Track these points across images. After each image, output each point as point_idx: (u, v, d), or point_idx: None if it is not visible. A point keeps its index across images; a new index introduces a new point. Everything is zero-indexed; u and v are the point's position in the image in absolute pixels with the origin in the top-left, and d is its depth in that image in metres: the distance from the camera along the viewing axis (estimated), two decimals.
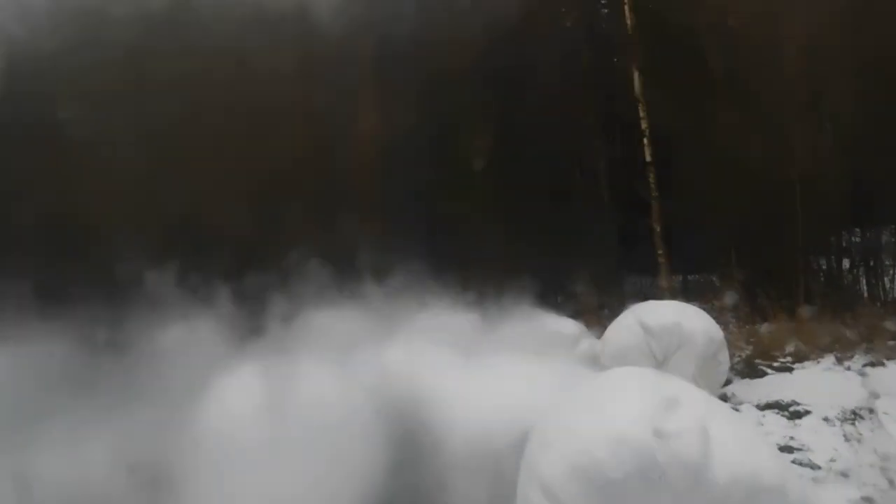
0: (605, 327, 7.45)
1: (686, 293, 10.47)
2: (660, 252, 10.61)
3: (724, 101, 10.14)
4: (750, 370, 6.78)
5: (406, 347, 5.54)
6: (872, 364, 6.44)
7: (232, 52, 10.95)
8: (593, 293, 10.15)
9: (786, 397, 5.71)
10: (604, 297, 11.00)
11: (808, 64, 9.39)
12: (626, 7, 11.41)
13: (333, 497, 3.99)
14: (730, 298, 9.66)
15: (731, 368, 6.70)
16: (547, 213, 11.27)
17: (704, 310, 6.80)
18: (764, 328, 8.34)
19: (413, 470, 4.73)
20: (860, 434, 4.75)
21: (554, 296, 10.49)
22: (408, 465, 4.71)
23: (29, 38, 10.01)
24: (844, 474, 4.12)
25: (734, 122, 9.93)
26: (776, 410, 5.49)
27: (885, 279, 9.74)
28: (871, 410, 5.21)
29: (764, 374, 6.68)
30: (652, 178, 10.86)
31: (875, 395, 5.49)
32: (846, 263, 10.16)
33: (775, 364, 6.89)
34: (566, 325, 7.09)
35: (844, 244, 10.10)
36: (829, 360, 6.78)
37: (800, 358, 6.99)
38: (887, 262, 9.81)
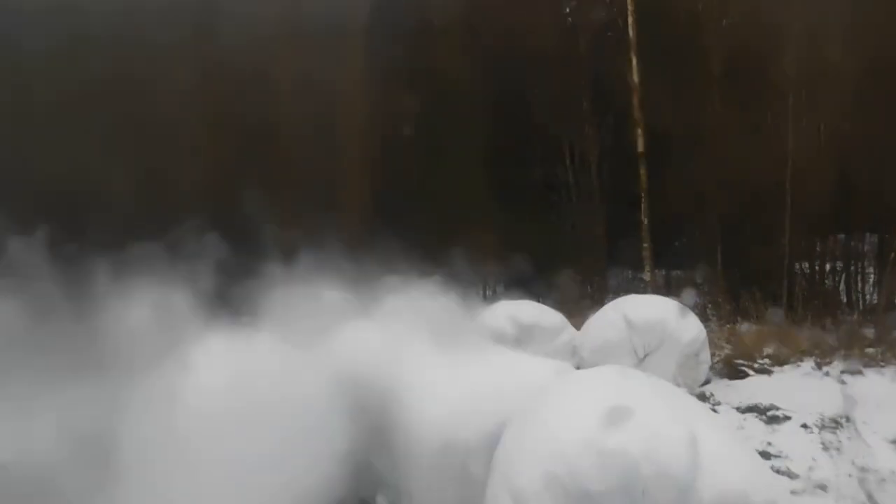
0: (586, 318, 7.32)
1: (669, 288, 10.38)
2: (645, 246, 10.48)
3: (720, 98, 9.99)
4: (729, 370, 6.70)
5: (379, 330, 5.30)
6: (851, 371, 6.38)
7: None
8: (576, 283, 10.04)
9: (765, 401, 5.62)
10: (587, 287, 10.90)
11: (806, 67, 9.25)
12: None
13: (289, 484, 3.76)
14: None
15: (711, 368, 6.61)
16: (535, 199, 11.09)
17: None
18: (745, 328, 8.28)
19: (375, 459, 4.56)
20: (839, 443, 4.66)
21: (536, 284, 10.33)
22: (370, 454, 4.52)
23: None
24: (822, 486, 4.02)
25: (729, 121, 9.79)
26: (755, 414, 5.40)
27: (866, 286, 9.74)
28: (849, 419, 5.13)
29: (744, 375, 6.60)
30: (643, 171, 10.68)
31: (853, 404, 5.41)
32: (828, 268, 10.14)
33: (755, 366, 6.81)
34: (547, 316, 6.92)
35: (828, 249, 10.06)
36: (808, 364, 6.72)
37: (779, 361, 6.92)
38: (868, 269, 9.80)
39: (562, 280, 9.73)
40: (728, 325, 8.38)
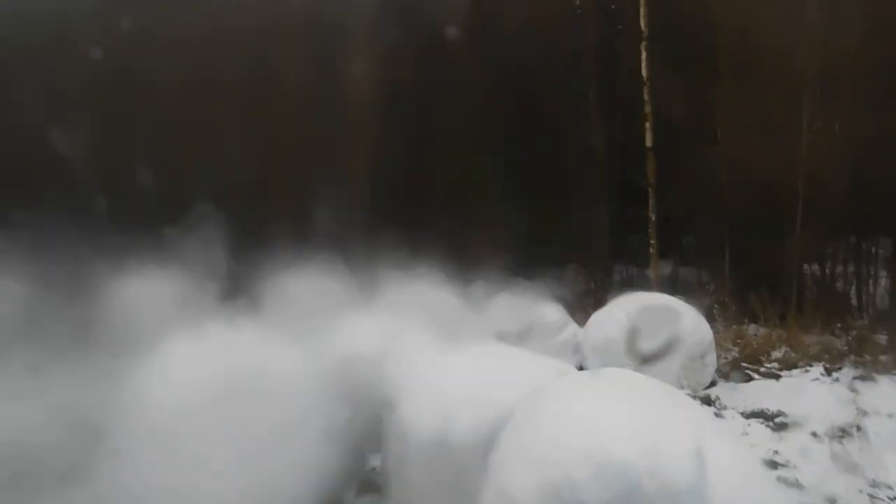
0: (589, 315, 7.14)
1: (674, 286, 10.17)
2: (652, 242, 10.27)
3: (732, 94, 9.72)
4: (736, 373, 6.50)
5: (380, 322, 5.15)
6: (862, 378, 6.17)
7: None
8: (580, 279, 9.85)
9: (772, 406, 5.43)
10: (591, 283, 10.71)
11: (821, 65, 8.98)
12: None
13: (277, 475, 3.63)
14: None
15: (717, 370, 6.42)
16: (541, 192, 10.87)
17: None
18: (752, 330, 8.08)
19: (368, 451, 4.42)
20: (848, 454, 4.47)
21: (539, 278, 10.15)
22: (363, 445, 4.38)
23: None
24: (832, 500, 3.84)
25: (741, 117, 9.53)
26: (761, 420, 5.21)
27: (878, 290, 9.50)
28: (860, 428, 4.93)
29: (750, 378, 6.40)
30: (651, 165, 10.44)
31: (864, 413, 5.22)
32: (840, 271, 9.91)
33: (762, 369, 6.61)
34: (549, 311, 6.74)
35: (840, 252, 9.82)
36: (817, 369, 6.51)
37: (788, 365, 6.72)
38: (881, 274, 9.56)
39: (565, 275, 9.54)
40: (735, 327, 8.17)
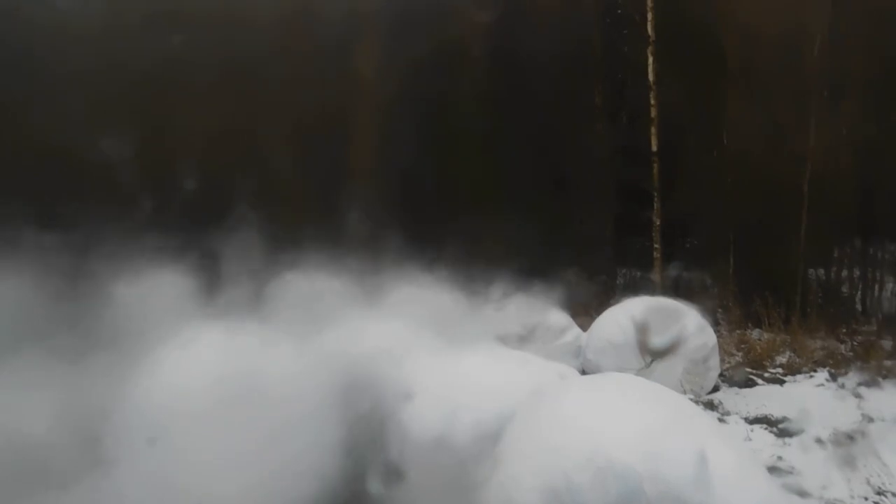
0: (592, 318, 7.11)
1: (678, 290, 10.13)
2: (656, 246, 10.22)
3: (738, 97, 9.68)
4: (739, 378, 6.45)
5: (382, 322, 5.14)
6: (867, 384, 6.12)
7: None
8: (584, 282, 9.80)
9: (776, 412, 5.39)
10: (594, 286, 10.66)
11: (828, 67, 8.93)
12: None
13: (276, 479, 3.62)
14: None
15: (720, 375, 6.39)
16: (545, 195, 10.85)
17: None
18: (756, 334, 8.03)
19: (369, 453, 4.40)
20: (854, 461, 4.43)
21: (543, 281, 10.13)
22: (365, 447, 4.36)
23: None
24: None
25: (746, 121, 9.49)
26: (765, 426, 5.17)
27: (883, 295, 9.44)
28: (865, 435, 4.89)
29: (754, 383, 6.36)
30: (656, 169, 10.41)
31: (869, 419, 5.18)
32: (845, 275, 9.84)
33: (766, 374, 6.57)
34: (552, 314, 6.71)
35: (846, 256, 9.76)
36: (822, 375, 6.46)
37: (792, 370, 6.67)
38: (888, 278, 9.50)
39: (569, 278, 9.50)
40: (738, 331, 8.13)
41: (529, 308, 6.66)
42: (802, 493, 3.98)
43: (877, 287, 9.51)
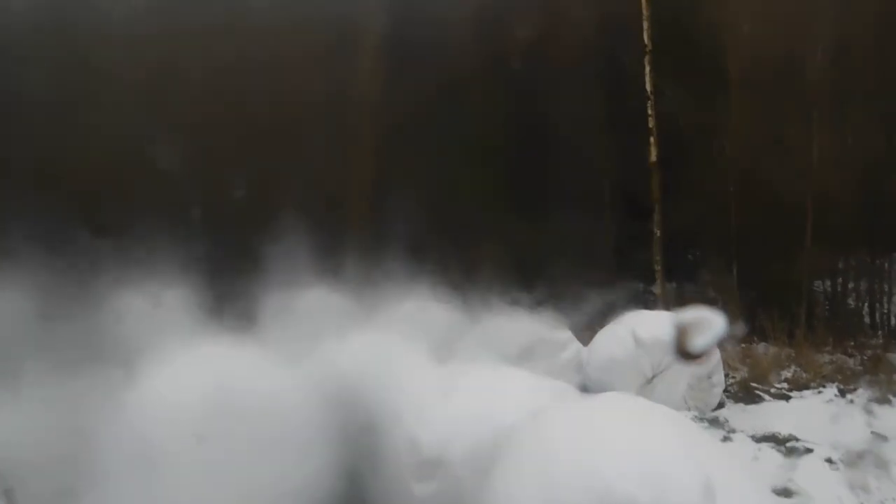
0: (593, 332, 6.96)
1: (681, 303, 9.96)
2: (657, 258, 10.08)
3: (740, 107, 9.59)
4: (745, 394, 6.28)
5: (378, 340, 5.01)
6: (878, 400, 5.94)
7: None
8: (584, 295, 9.65)
9: (783, 430, 5.21)
10: (595, 299, 10.51)
11: (831, 76, 8.85)
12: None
13: (267, 498, 3.49)
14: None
15: (725, 391, 6.21)
16: (543, 207, 10.74)
17: None
18: (761, 349, 7.86)
19: (362, 475, 4.26)
20: (866, 483, 4.26)
21: (543, 294, 9.99)
22: (357, 469, 4.22)
23: None
24: None
25: (749, 131, 9.40)
26: (772, 444, 4.99)
27: (892, 308, 9.27)
28: (877, 455, 4.71)
29: (760, 399, 6.18)
30: (656, 180, 10.29)
31: (882, 438, 4.99)
32: (851, 288, 9.68)
33: (772, 390, 6.40)
34: (553, 329, 6.56)
35: (852, 268, 9.60)
36: (830, 390, 6.28)
37: (798, 385, 6.50)
38: (895, 291, 9.33)
39: (569, 292, 9.36)
40: (743, 345, 7.96)
41: (529, 323, 6.52)
42: None
43: (885, 300, 9.34)
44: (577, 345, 6.52)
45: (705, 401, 5.89)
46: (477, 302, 7.00)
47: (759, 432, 5.23)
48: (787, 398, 6.27)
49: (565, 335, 6.53)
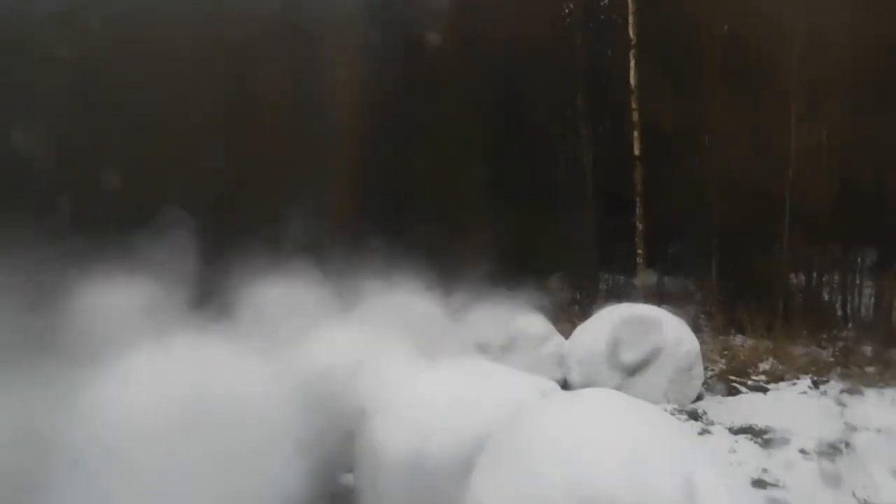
0: (574, 325, 6.99)
1: (661, 296, 10.07)
2: (639, 251, 10.15)
3: (720, 102, 9.66)
4: (723, 387, 6.37)
5: (356, 334, 4.95)
6: (850, 391, 6.07)
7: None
8: (566, 288, 9.70)
9: (760, 422, 5.30)
10: (577, 292, 10.57)
11: (809, 72, 8.94)
12: None
13: (242, 496, 3.42)
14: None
15: (703, 383, 6.30)
16: (526, 200, 10.73)
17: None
18: (739, 341, 7.98)
19: (338, 474, 4.22)
20: (839, 472, 4.34)
21: (524, 286, 10.01)
22: (334, 468, 4.18)
23: None
24: None
25: (728, 125, 9.47)
26: (749, 436, 5.07)
27: (862, 300, 9.46)
28: (849, 445, 4.82)
29: (737, 392, 6.28)
30: (639, 174, 10.34)
31: (853, 428, 5.10)
32: (826, 280, 9.85)
33: (749, 382, 6.50)
34: (533, 322, 6.57)
35: (826, 261, 9.77)
36: (804, 382, 6.41)
37: (775, 378, 6.61)
38: (867, 283, 9.52)
39: (551, 285, 9.38)
40: (721, 338, 8.07)
41: (510, 316, 6.52)
42: None
43: (856, 292, 9.53)
44: (558, 338, 6.55)
45: (685, 394, 5.96)
46: (458, 295, 6.98)
47: (737, 424, 5.31)
48: (765, 390, 6.37)
49: (547, 328, 6.55)
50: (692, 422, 5.34)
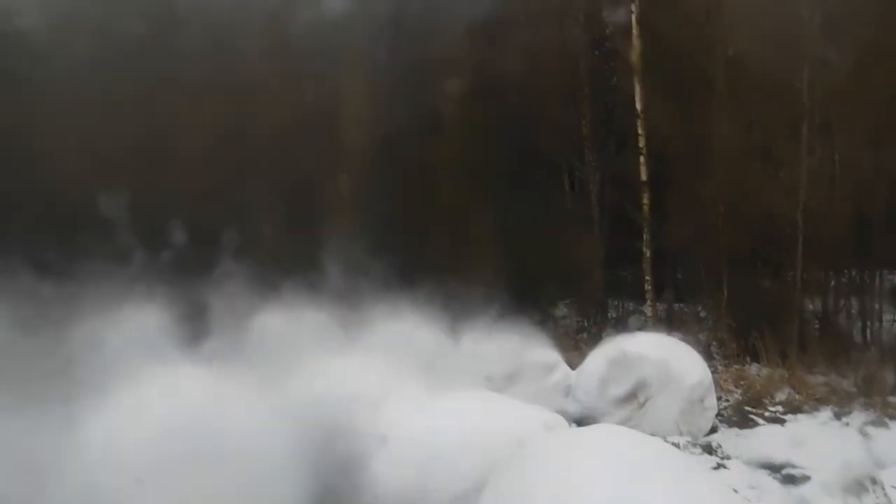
0: (583, 353, 6.81)
1: (671, 323, 9.84)
2: (647, 278, 9.97)
3: (729, 125, 9.58)
4: (739, 418, 6.12)
5: (359, 365, 4.84)
6: (874, 423, 5.81)
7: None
8: (574, 315, 9.52)
9: (779, 456, 5.05)
10: (584, 319, 10.38)
11: (820, 94, 8.86)
12: (634, 19, 10.80)
13: None
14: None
15: (718, 414, 6.06)
16: (534, 227, 10.63)
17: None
18: (754, 370, 7.72)
19: None
20: None
21: (532, 315, 9.84)
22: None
23: None
24: None
25: (738, 149, 9.38)
26: (768, 471, 4.83)
27: (883, 325, 9.17)
28: (875, 481, 4.56)
29: (754, 424, 6.02)
30: (646, 200, 10.23)
31: (880, 464, 4.84)
32: (843, 305, 9.59)
33: (766, 413, 6.25)
34: (540, 351, 6.41)
35: (843, 287, 9.53)
36: (825, 413, 6.15)
37: (793, 408, 6.36)
38: (887, 308, 9.25)
39: (558, 313, 9.22)
40: (735, 367, 7.82)
41: (516, 345, 6.36)
42: None
43: (874, 317, 9.25)
44: (564, 368, 6.37)
45: (698, 425, 5.74)
46: (465, 324, 6.84)
47: (755, 459, 5.07)
48: (782, 422, 6.12)
49: (553, 357, 6.38)
50: (706, 455, 5.11)
